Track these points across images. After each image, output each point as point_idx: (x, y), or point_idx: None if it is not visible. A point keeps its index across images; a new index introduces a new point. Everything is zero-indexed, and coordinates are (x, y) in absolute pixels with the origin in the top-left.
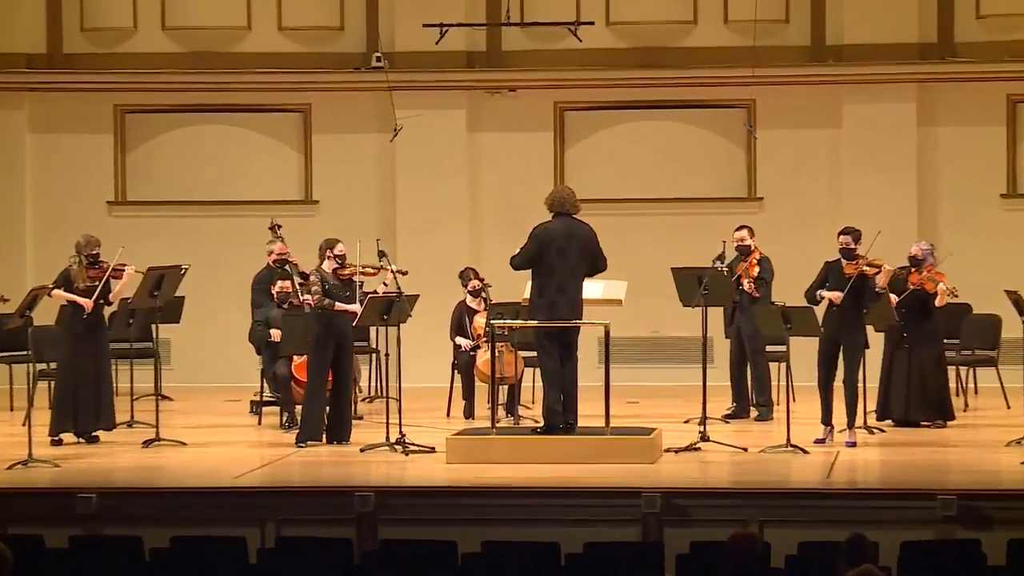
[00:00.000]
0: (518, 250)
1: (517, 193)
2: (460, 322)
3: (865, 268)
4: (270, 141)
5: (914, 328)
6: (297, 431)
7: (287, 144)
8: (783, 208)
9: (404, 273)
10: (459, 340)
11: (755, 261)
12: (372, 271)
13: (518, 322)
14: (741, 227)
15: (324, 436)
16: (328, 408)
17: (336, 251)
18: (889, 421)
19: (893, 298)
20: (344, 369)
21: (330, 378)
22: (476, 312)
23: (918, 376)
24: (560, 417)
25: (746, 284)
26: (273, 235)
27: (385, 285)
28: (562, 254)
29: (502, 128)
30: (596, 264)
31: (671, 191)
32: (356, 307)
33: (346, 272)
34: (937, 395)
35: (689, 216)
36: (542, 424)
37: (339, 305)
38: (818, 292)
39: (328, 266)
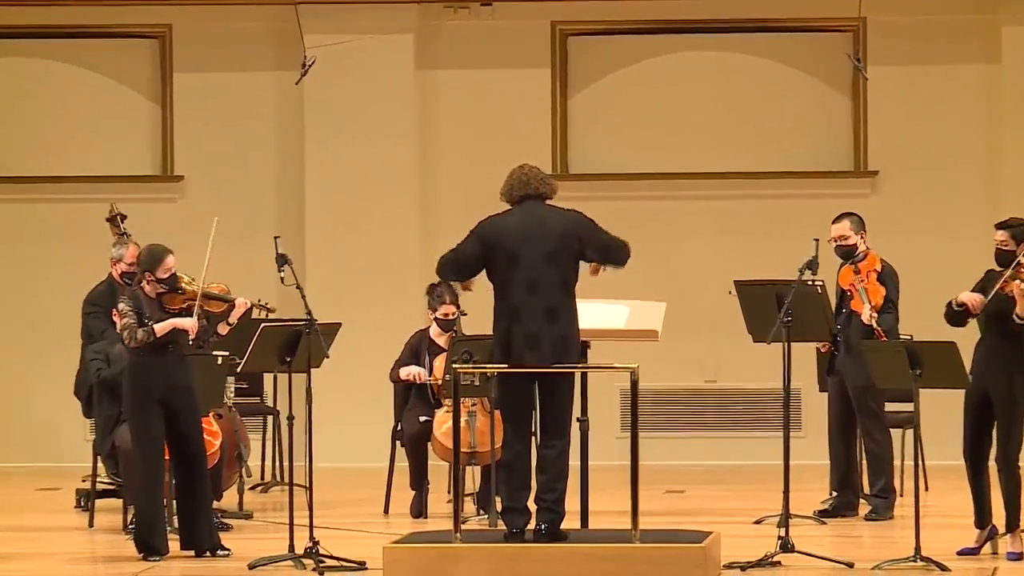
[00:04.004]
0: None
1: (493, 165)
2: (413, 360)
3: (1011, 285)
4: (107, 84)
5: None
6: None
7: (133, 88)
8: (909, 187)
9: (271, 311)
10: (409, 370)
11: (876, 275)
12: (220, 304)
13: (491, 367)
14: (841, 216)
15: (179, 543)
16: (175, 502)
17: (161, 272)
18: None
19: None
20: (187, 436)
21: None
22: (441, 350)
23: None
24: (520, 517)
25: (866, 314)
26: (114, 231)
27: (229, 325)
28: (514, 262)
29: (470, 63)
30: (606, 254)
31: (734, 162)
32: (189, 321)
33: (179, 301)
34: None
35: (763, 201)
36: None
37: (161, 325)
38: (955, 298)
39: (151, 290)
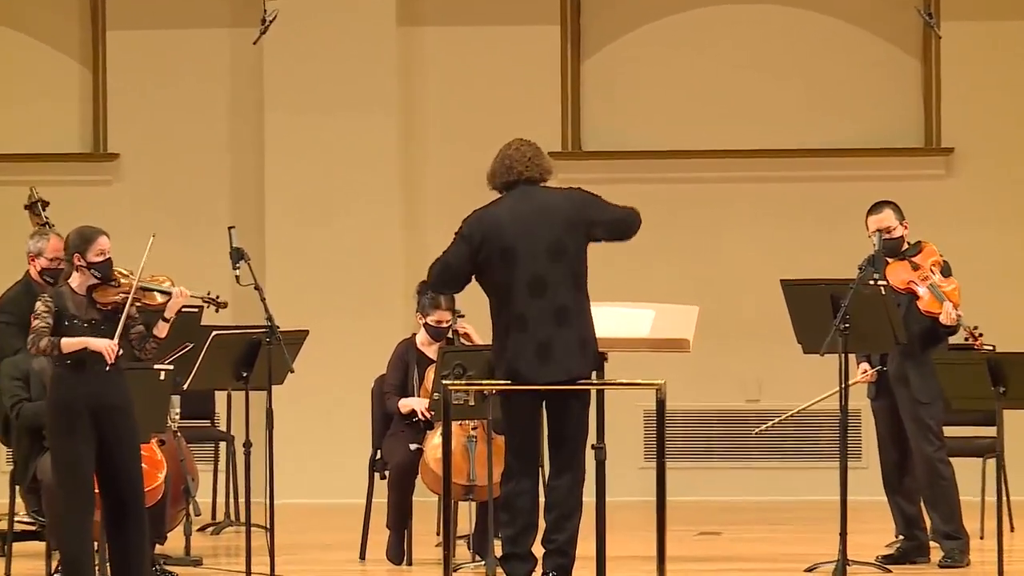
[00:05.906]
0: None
1: (490, 142)
2: (403, 376)
3: None
4: (27, 43)
5: None
6: None
7: (58, 48)
8: (990, 167)
9: (222, 305)
10: (408, 403)
11: (940, 267)
12: (160, 298)
13: (487, 383)
14: (881, 205)
15: None
16: (107, 543)
17: (92, 254)
18: None
19: None
20: (121, 465)
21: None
22: (430, 362)
23: None
24: (523, 563)
25: (950, 313)
26: (34, 221)
27: (166, 322)
28: (512, 259)
29: (463, 19)
30: (616, 229)
31: (780, 138)
32: (103, 342)
33: (112, 294)
34: None
35: (816, 184)
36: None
37: (69, 342)
38: None
39: (78, 281)
